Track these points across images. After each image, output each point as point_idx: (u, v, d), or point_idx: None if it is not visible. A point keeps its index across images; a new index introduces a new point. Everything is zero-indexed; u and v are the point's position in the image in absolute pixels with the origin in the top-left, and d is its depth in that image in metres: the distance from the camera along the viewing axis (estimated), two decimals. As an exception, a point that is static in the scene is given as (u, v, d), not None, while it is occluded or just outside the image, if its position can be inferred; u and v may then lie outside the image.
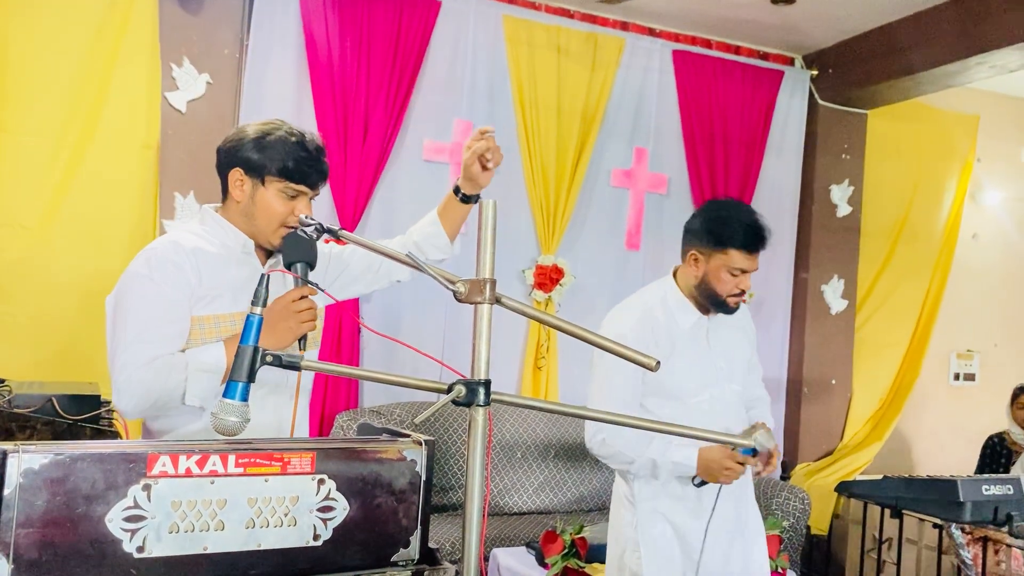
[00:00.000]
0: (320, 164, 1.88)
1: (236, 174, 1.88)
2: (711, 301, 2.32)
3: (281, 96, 3.97)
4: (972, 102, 5.57)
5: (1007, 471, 4.61)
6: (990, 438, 4.83)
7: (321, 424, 3.99)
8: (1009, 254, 5.93)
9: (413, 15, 4.13)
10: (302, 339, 1.78)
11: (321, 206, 3.98)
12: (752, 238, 2.25)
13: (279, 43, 3.96)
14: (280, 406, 1.94)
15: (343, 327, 4.02)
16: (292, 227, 1.84)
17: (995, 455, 4.73)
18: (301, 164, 1.83)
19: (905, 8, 4.45)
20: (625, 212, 4.71)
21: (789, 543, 3.97)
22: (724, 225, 2.27)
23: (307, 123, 4.01)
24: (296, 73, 3.99)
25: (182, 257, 1.81)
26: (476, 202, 2.06)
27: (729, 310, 2.33)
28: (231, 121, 3.89)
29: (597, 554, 3.20)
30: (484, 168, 2.01)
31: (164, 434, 1.86)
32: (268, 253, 1.95)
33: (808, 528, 4.39)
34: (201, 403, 1.76)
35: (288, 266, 1.80)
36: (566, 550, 3.08)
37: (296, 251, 1.80)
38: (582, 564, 3.07)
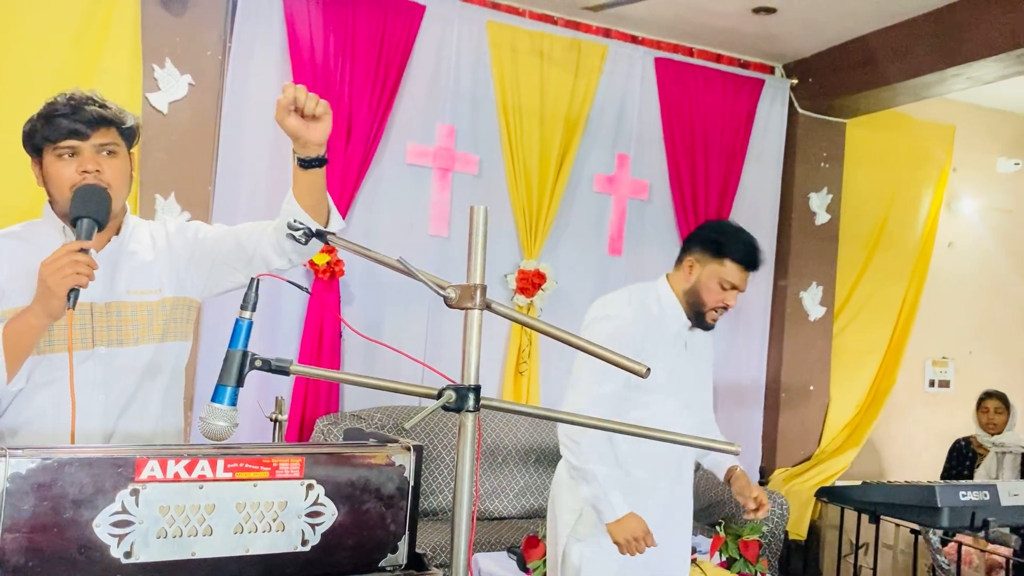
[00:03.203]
0: (80, 112, 1.73)
1: (31, 168, 1.82)
2: (695, 310, 2.41)
3: (263, 98, 3.95)
4: (948, 112, 5.65)
5: (971, 473, 4.68)
6: (957, 441, 4.90)
7: (301, 429, 3.98)
8: (984, 263, 6.01)
9: (397, 19, 4.13)
10: (72, 295, 1.60)
11: (303, 209, 3.95)
12: (750, 254, 2.38)
13: (262, 45, 3.95)
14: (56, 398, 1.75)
15: (324, 330, 4.01)
16: (84, 186, 1.73)
17: (961, 458, 4.80)
18: (55, 119, 1.73)
19: (883, 20, 4.51)
20: (607, 217, 4.73)
21: (768, 548, 4.00)
22: (727, 237, 2.39)
23: (290, 126, 3.99)
24: (279, 75, 3.98)
25: None
26: (320, 165, 1.75)
27: (707, 324, 2.43)
28: (213, 123, 3.87)
29: (578, 559, 3.20)
30: (305, 116, 1.67)
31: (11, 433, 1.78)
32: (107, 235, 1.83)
33: (786, 533, 4.42)
34: None
35: (74, 222, 1.69)
36: (547, 555, 3.08)
37: (83, 205, 1.70)
38: (563, 569, 3.07)
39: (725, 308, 2.41)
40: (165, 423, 1.90)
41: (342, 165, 4.00)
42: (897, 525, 4.05)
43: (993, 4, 4.07)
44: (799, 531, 4.78)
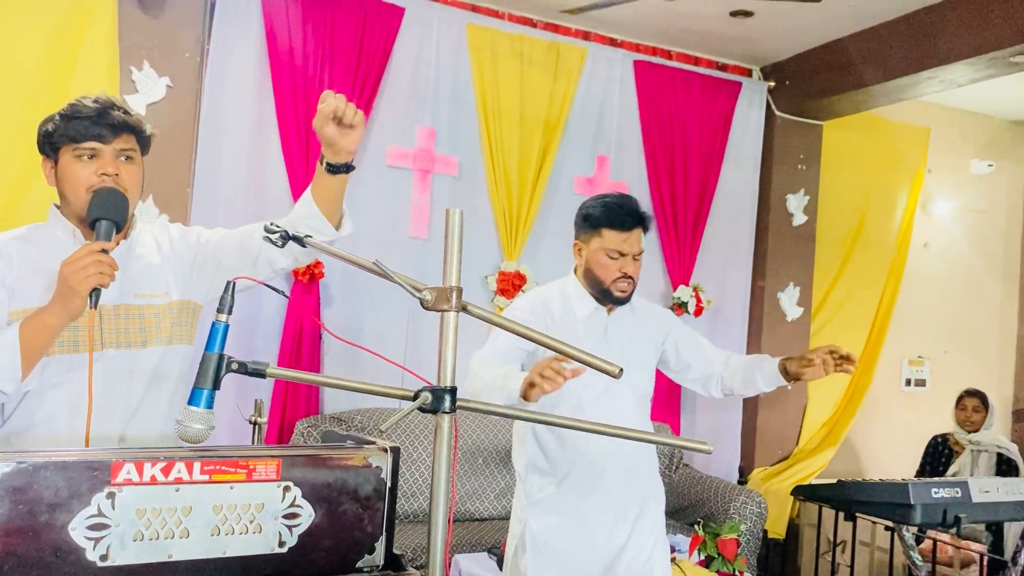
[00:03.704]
0: (103, 116, 1.78)
1: (43, 166, 1.84)
2: (598, 290, 2.36)
3: (242, 100, 3.95)
4: (923, 115, 5.73)
5: (947, 470, 4.74)
6: (934, 438, 4.96)
7: (280, 432, 3.97)
8: (958, 263, 6.09)
9: (376, 21, 4.13)
10: (94, 295, 1.63)
11: (282, 209, 3.94)
12: (618, 214, 2.31)
13: (241, 47, 3.94)
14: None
15: (304, 332, 4.00)
16: (104, 188, 1.76)
17: (937, 454, 4.86)
18: (79, 120, 1.76)
19: (859, 23, 4.56)
20: (587, 219, 4.75)
21: (746, 546, 4.04)
22: (595, 208, 2.36)
23: (269, 128, 3.99)
24: (258, 77, 3.97)
25: None
26: (347, 171, 1.89)
27: (616, 298, 2.35)
28: (191, 125, 3.85)
29: (558, 559, 3.22)
30: (342, 125, 1.80)
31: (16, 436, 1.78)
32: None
33: (765, 532, 4.46)
34: None
35: (92, 224, 1.72)
36: (528, 555, 3.09)
37: (101, 207, 1.73)
38: (543, 569, 3.09)
39: (629, 278, 2.33)
40: (172, 427, 1.91)
41: (321, 167, 3.99)
42: (873, 523, 4.11)
43: (964, 8, 4.13)
44: (778, 530, 4.82)
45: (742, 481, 5.00)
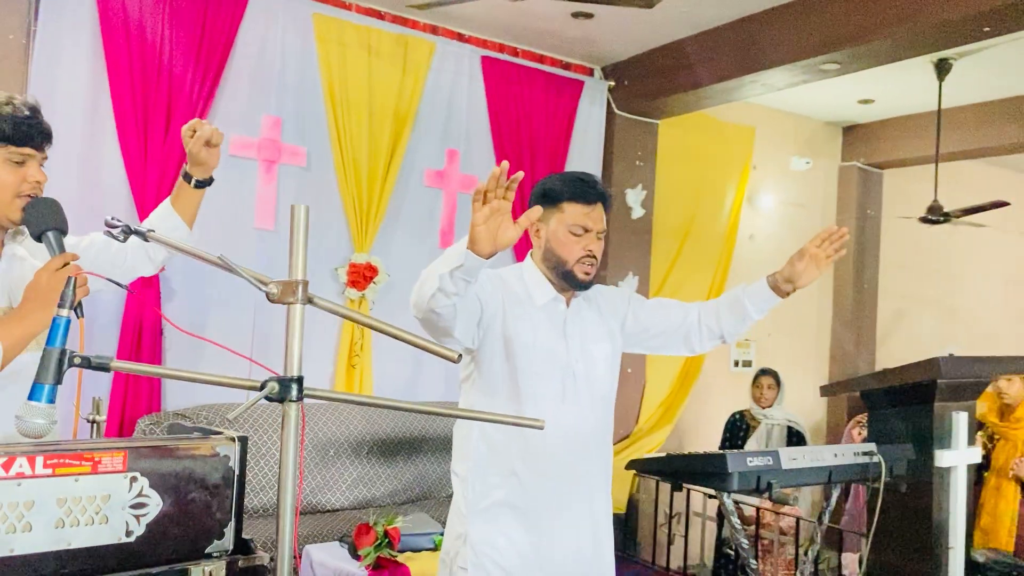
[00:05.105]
0: (40, 124, 1.80)
1: None
2: (559, 273, 2.18)
3: (74, 87, 3.77)
4: (749, 115, 6.16)
5: (744, 444, 5.13)
6: (732, 415, 5.35)
7: (120, 429, 3.83)
8: (780, 253, 6.48)
9: (219, 7, 4.04)
10: (78, 307, 1.67)
11: (119, 203, 3.82)
12: (580, 187, 2.17)
13: (71, 30, 3.76)
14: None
15: (143, 327, 3.88)
16: (29, 196, 1.77)
17: (736, 429, 5.25)
18: (19, 125, 1.75)
19: (691, 28, 4.86)
20: (439, 211, 4.84)
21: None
22: (554, 182, 2.22)
23: (104, 116, 3.84)
24: (91, 63, 3.80)
25: None
26: (211, 183, 2.19)
27: (579, 283, 2.18)
28: (17, 110, 3.64)
29: (410, 543, 3.31)
30: (209, 146, 2.10)
31: None
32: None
33: (607, 508, 4.70)
34: None
35: (38, 237, 1.73)
36: (379, 541, 3.16)
37: (43, 218, 1.74)
38: (394, 553, 3.16)
39: (592, 257, 2.16)
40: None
41: (161, 157, 3.88)
42: (710, 496, 4.43)
43: (782, 19, 4.50)
44: (619, 505, 5.09)
45: (587, 461, 5.24)
